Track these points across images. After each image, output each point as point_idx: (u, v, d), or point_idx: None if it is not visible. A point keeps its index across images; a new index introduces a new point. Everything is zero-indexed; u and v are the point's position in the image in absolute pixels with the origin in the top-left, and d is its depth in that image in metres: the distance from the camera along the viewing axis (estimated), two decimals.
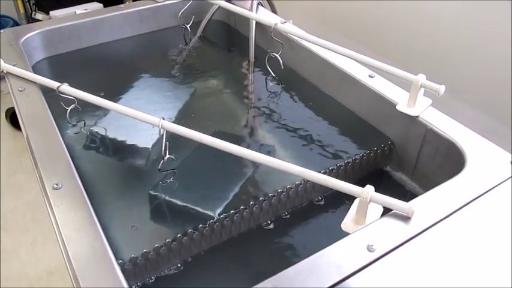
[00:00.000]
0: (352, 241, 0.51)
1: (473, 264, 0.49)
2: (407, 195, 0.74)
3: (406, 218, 0.53)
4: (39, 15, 1.91)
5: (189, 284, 0.59)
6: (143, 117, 0.69)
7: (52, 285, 1.34)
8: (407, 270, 0.48)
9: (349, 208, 0.57)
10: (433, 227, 0.52)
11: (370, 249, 0.49)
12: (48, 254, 1.42)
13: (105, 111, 0.82)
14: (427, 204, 0.55)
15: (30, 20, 1.98)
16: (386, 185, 0.76)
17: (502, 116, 1.05)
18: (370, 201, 0.54)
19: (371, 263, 0.48)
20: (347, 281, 0.46)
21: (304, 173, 0.59)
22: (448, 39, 1.16)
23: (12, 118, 1.96)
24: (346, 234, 0.53)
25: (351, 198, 0.57)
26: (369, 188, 0.54)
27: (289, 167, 0.59)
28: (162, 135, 0.67)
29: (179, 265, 0.61)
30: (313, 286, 0.45)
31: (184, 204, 0.64)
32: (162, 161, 0.69)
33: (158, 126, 0.67)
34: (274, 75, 0.95)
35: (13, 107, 1.88)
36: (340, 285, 0.46)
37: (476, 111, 1.11)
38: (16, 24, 2.19)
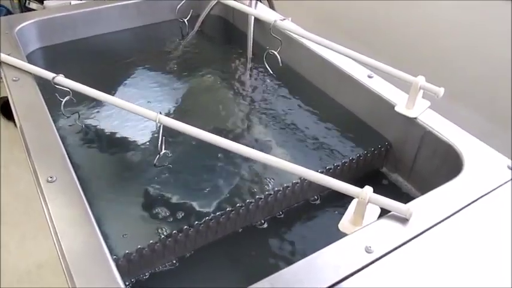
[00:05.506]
0: (350, 242, 0.50)
1: (471, 267, 0.49)
2: (403, 197, 0.73)
3: (404, 220, 0.53)
4: (33, 5, 1.89)
5: (183, 281, 0.59)
6: (140, 111, 0.68)
7: (42, 279, 1.32)
8: (405, 272, 0.48)
9: (345, 208, 0.57)
10: (431, 230, 0.52)
11: (368, 250, 0.49)
12: (38, 248, 1.41)
13: (100, 104, 0.81)
14: (425, 207, 0.55)
15: (24, 9, 1.95)
16: (382, 186, 0.76)
17: (501, 119, 1.05)
18: (368, 202, 0.53)
19: (369, 265, 0.48)
20: (345, 282, 0.46)
21: (303, 172, 0.58)
22: (448, 40, 1.16)
23: (4, 109, 1.94)
24: (343, 234, 0.52)
25: (347, 198, 0.57)
26: (368, 189, 0.54)
27: (288, 166, 0.59)
28: (159, 129, 0.66)
29: (174, 262, 0.60)
30: (310, 286, 0.45)
31: (180, 200, 0.63)
32: (157, 156, 0.68)
33: (155, 121, 0.66)
34: (271, 72, 0.95)
35: (5, 97, 1.84)
36: (337, 286, 0.46)
37: (475, 114, 1.11)
38: (9, 13, 2.15)
